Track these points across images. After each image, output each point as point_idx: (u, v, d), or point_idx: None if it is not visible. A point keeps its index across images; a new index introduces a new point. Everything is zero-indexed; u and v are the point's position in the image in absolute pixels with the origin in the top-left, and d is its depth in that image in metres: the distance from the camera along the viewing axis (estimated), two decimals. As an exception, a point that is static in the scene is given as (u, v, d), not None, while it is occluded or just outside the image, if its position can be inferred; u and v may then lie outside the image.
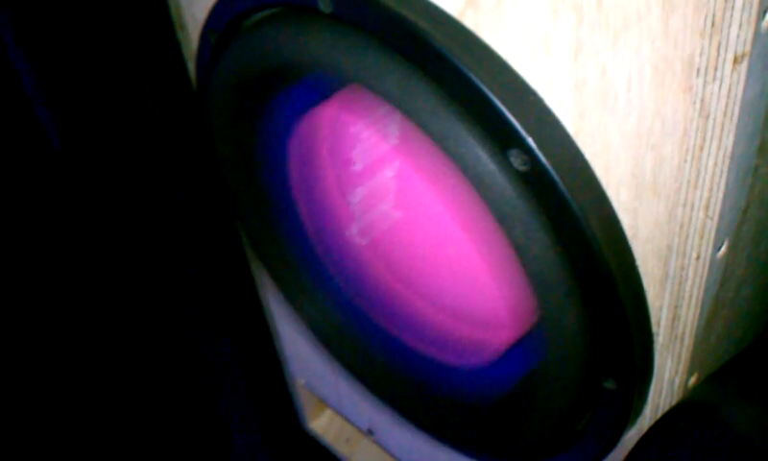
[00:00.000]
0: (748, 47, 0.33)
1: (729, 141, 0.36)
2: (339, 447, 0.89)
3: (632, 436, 0.51)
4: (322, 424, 0.91)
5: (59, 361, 1.05)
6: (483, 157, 0.41)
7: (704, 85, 0.34)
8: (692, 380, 0.48)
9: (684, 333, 0.45)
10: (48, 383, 1.05)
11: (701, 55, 0.34)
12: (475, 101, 0.41)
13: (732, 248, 0.42)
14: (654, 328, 0.45)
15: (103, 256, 0.99)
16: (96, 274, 1.01)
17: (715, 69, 0.34)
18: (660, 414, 0.49)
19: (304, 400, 0.88)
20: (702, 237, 0.40)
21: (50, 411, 1.07)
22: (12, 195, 0.91)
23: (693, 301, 0.43)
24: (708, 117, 0.35)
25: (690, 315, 0.44)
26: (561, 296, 0.44)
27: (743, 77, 0.34)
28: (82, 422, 1.10)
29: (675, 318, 0.44)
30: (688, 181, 0.38)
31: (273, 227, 0.64)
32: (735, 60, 0.33)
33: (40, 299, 0.99)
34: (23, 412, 1.04)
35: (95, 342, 1.06)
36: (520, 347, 0.54)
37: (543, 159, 0.40)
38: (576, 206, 0.41)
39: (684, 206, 0.39)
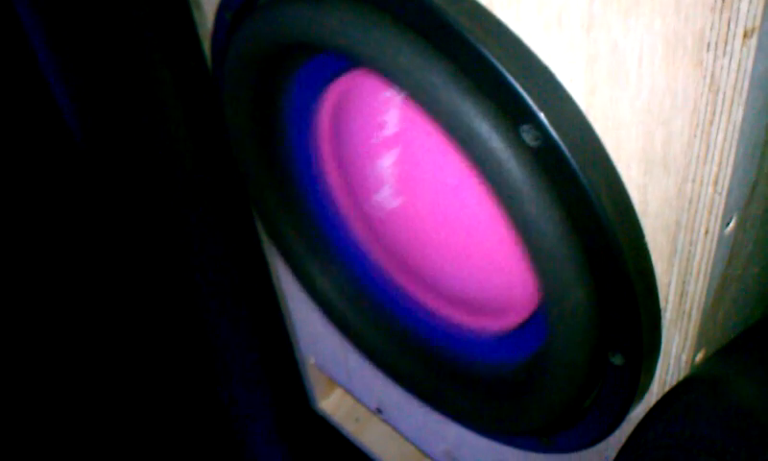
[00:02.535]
0: (758, 22, 0.34)
1: (738, 116, 0.37)
2: (348, 426, 0.90)
3: (639, 412, 0.51)
4: (331, 404, 0.92)
5: (76, 341, 1.06)
6: (495, 132, 0.42)
7: (714, 60, 0.35)
8: (699, 356, 0.48)
9: (691, 309, 0.45)
10: (70, 359, 1.06)
11: (711, 29, 0.34)
12: (488, 76, 0.41)
13: (740, 224, 0.43)
14: (662, 304, 0.46)
15: (116, 241, 1.00)
16: (110, 259, 1.02)
17: (725, 44, 0.34)
18: (667, 389, 0.49)
19: (314, 379, 0.89)
20: (710, 213, 0.41)
21: (68, 384, 1.08)
22: (34, 182, 0.92)
23: (701, 277, 0.44)
24: (717, 92, 0.36)
25: (698, 291, 0.44)
26: (570, 271, 0.44)
27: (753, 51, 0.35)
28: (92, 400, 1.11)
29: (683, 294, 0.45)
30: (698, 157, 0.39)
31: (287, 205, 0.65)
32: (745, 35, 0.34)
33: (57, 282, 1.00)
34: (26, 407, 1.05)
35: (107, 325, 1.07)
36: (530, 323, 0.55)
37: (555, 135, 0.41)
38: (587, 181, 0.41)
39: (694, 181, 0.40)
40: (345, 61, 0.54)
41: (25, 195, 0.93)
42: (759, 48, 0.35)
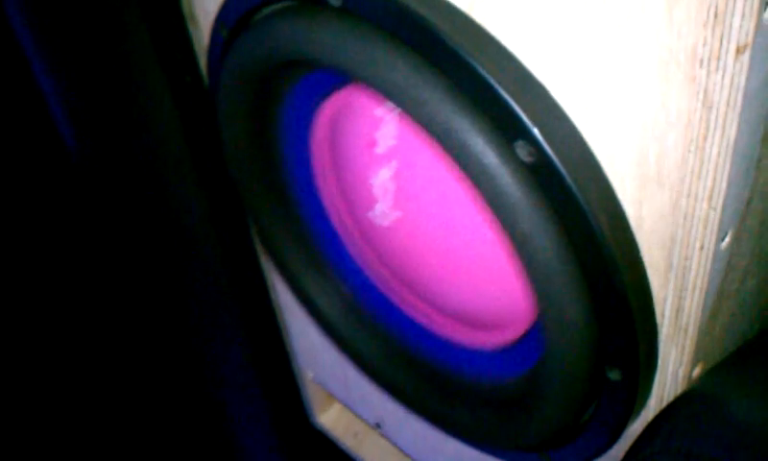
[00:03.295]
0: (750, 38, 0.34)
1: (732, 131, 0.37)
2: (347, 441, 0.89)
3: (636, 427, 0.51)
4: (330, 419, 0.91)
5: (72, 352, 1.05)
6: (489, 149, 0.42)
7: (707, 76, 0.35)
8: (696, 371, 0.48)
9: (688, 324, 0.45)
10: (67, 369, 1.06)
11: (704, 45, 0.34)
12: (482, 93, 0.41)
13: (735, 239, 0.43)
14: (658, 319, 0.46)
15: (112, 251, 1.00)
16: (106, 268, 1.02)
17: (718, 59, 0.34)
18: (664, 405, 0.49)
19: (313, 393, 0.89)
20: (706, 228, 0.41)
21: (70, 389, 1.08)
22: (25, 189, 0.92)
23: (697, 292, 0.44)
24: (711, 108, 0.36)
25: (694, 306, 0.44)
26: (566, 287, 0.44)
27: (746, 67, 0.35)
28: (87, 412, 1.11)
29: (679, 309, 0.45)
30: (692, 172, 0.39)
31: (284, 219, 0.65)
32: (738, 51, 0.34)
33: (50, 289, 1.00)
34: (17, 411, 1.05)
35: (104, 335, 1.07)
36: (527, 338, 0.55)
37: (549, 151, 0.41)
38: (582, 197, 0.41)
39: (688, 196, 0.40)
40: (341, 77, 0.54)
41: (19, 205, 0.93)
42: (752, 64, 0.35)
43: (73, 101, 0.84)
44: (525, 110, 0.40)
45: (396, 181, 0.53)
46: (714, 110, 0.36)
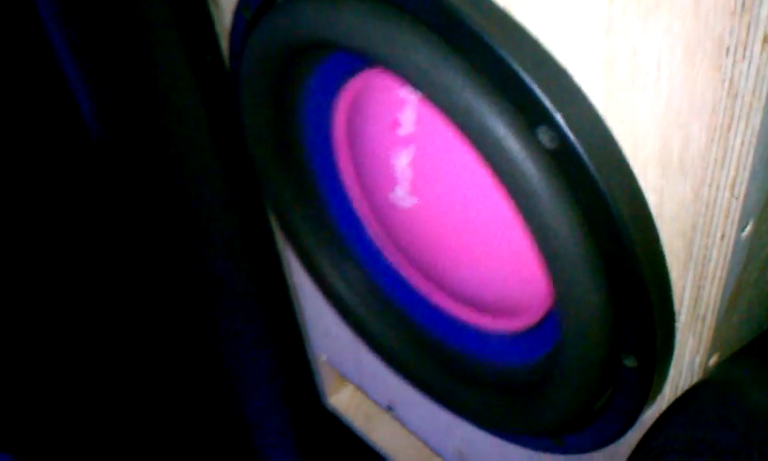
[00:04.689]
0: (778, 27, 0.34)
1: (756, 121, 0.37)
2: (359, 422, 0.90)
3: (651, 415, 0.51)
4: (342, 400, 0.92)
5: (90, 336, 1.06)
6: (511, 134, 0.42)
7: (733, 65, 0.35)
8: (713, 360, 0.48)
9: (706, 313, 0.45)
10: (78, 361, 1.07)
11: (731, 34, 0.34)
12: (504, 77, 0.41)
13: (756, 228, 0.43)
14: (676, 308, 0.46)
15: (130, 231, 1.01)
16: (124, 249, 1.03)
17: (744, 48, 0.34)
18: (679, 393, 0.49)
19: (325, 375, 0.89)
20: (727, 217, 0.41)
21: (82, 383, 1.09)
22: (46, 170, 0.93)
23: (716, 281, 0.44)
24: (736, 96, 0.36)
25: (713, 295, 0.44)
26: (585, 274, 0.44)
27: (772, 57, 0.35)
28: (99, 396, 1.12)
29: (698, 298, 0.45)
30: (715, 161, 0.39)
31: (302, 201, 0.65)
32: (765, 40, 0.34)
33: (66, 276, 1.01)
34: (32, 409, 1.06)
35: (120, 318, 1.08)
36: (543, 323, 0.55)
37: (572, 137, 0.41)
38: (603, 184, 0.41)
39: (710, 185, 0.40)
40: (362, 60, 0.54)
41: (42, 195, 0.93)
42: (779, 53, 0.35)
43: (94, 81, 0.84)
44: (548, 96, 0.40)
45: (417, 164, 0.53)
46: (739, 99, 0.36)
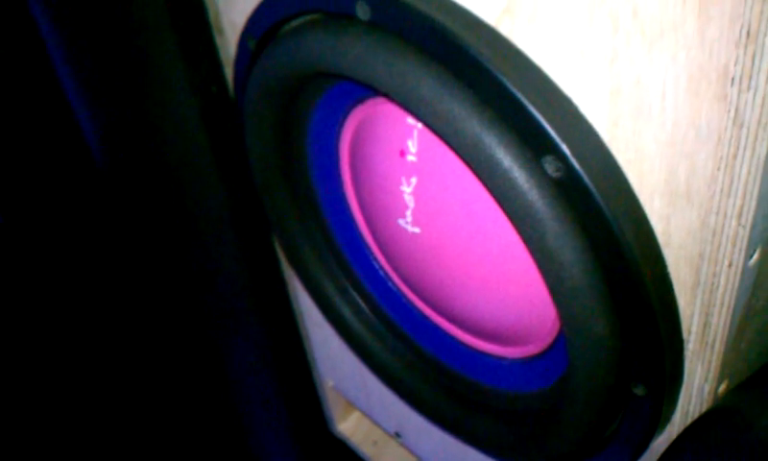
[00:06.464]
0: (783, 57, 0.34)
1: (762, 150, 0.37)
2: (366, 449, 0.89)
3: (661, 442, 0.51)
4: (349, 427, 0.92)
5: (93, 355, 1.06)
6: (517, 164, 0.42)
7: (738, 94, 0.35)
8: (722, 388, 0.48)
9: (714, 341, 0.45)
10: (85, 370, 1.07)
11: (736, 64, 0.34)
12: (510, 108, 0.41)
13: (764, 256, 0.43)
14: (684, 335, 0.46)
15: (135, 257, 1.01)
16: (128, 274, 1.03)
17: (750, 78, 0.34)
18: (689, 421, 0.49)
19: (333, 401, 0.89)
20: (734, 245, 0.40)
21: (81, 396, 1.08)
22: (50, 195, 0.93)
23: (724, 308, 0.43)
24: (742, 126, 0.36)
25: (721, 323, 0.44)
26: (592, 303, 0.44)
27: (778, 86, 0.35)
28: (108, 417, 1.12)
29: (706, 325, 0.44)
30: (721, 190, 0.38)
31: (308, 230, 0.65)
32: (770, 70, 0.34)
33: (69, 291, 1.01)
34: (32, 410, 1.06)
35: (124, 339, 1.08)
36: (551, 351, 0.55)
37: (578, 167, 0.41)
38: (610, 213, 0.41)
39: (717, 214, 0.39)
40: (366, 89, 0.54)
41: (44, 209, 0.94)
42: (784, 83, 0.35)
43: (99, 109, 0.85)
44: (554, 126, 0.40)
45: (423, 191, 0.53)
46: (745, 129, 0.36)
